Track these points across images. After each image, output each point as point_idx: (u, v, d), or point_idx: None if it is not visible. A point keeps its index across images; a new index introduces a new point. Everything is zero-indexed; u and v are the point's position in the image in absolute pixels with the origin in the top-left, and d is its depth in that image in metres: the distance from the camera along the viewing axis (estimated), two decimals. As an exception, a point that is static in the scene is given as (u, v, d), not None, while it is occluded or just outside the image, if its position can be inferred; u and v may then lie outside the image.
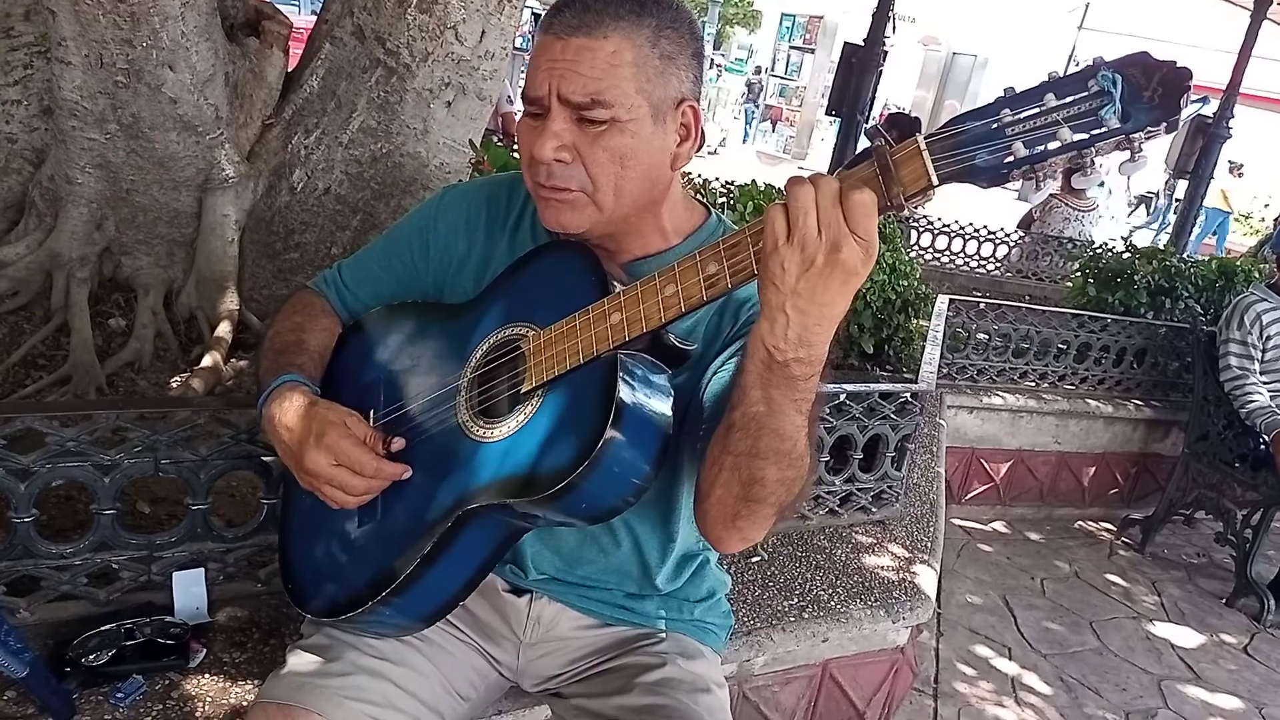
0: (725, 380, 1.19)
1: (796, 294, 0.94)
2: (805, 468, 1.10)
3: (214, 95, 2.70)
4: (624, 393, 1.06)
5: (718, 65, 25.03)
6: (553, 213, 1.23)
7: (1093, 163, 0.92)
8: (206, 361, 2.68)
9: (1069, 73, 0.92)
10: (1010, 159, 0.91)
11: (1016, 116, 0.92)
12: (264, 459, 1.64)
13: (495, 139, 3.80)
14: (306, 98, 2.99)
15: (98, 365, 2.61)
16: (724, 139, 20.13)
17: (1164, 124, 0.88)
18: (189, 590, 1.64)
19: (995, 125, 0.92)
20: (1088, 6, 20.11)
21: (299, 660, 1.26)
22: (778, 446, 1.05)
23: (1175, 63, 0.89)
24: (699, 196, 1.48)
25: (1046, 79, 0.93)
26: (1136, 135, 0.89)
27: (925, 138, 0.93)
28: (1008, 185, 1.01)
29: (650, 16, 1.16)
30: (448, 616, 1.32)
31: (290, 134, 2.99)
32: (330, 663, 1.25)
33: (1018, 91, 0.93)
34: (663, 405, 1.12)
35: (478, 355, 1.25)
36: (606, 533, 1.37)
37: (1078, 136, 0.89)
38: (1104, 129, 0.89)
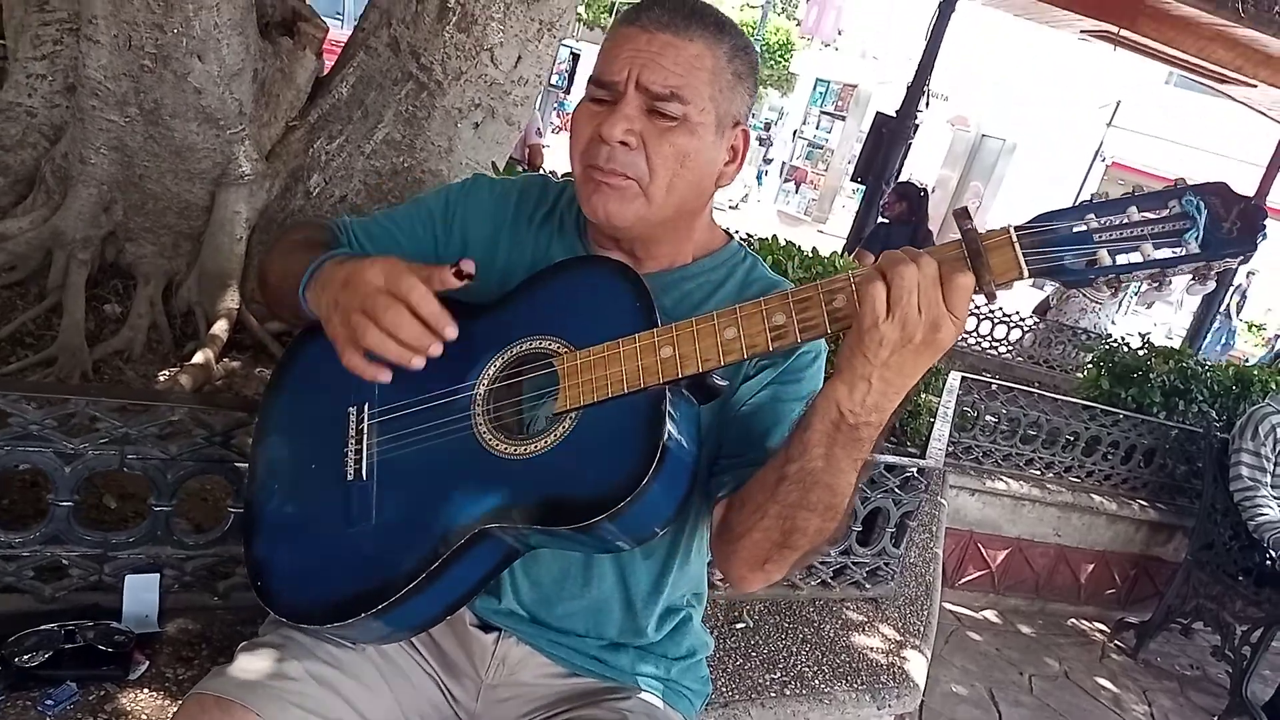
0: (758, 417, 1.19)
1: (886, 366, 0.97)
2: (842, 520, 1.10)
3: (240, 90, 2.66)
4: (669, 430, 1.04)
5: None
6: (601, 199, 1.19)
7: (1170, 281, 0.95)
8: (198, 358, 2.60)
9: (1150, 190, 0.96)
10: (1096, 264, 0.94)
11: (1101, 224, 0.94)
12: (236, 465, 1.55)
13: (519, 168, 3.76)
14: (334, 104, 2.95)
15: (86, 349, 2.53)
16: (746, 194, 20.24)
17: (1240, 256, 0.91)
18: (140, 596, 1.54)
19: (1083, 229, 0.94)
20: (1118, 104, 20.27)
21: (249, 658, 1.19)
22: (829, 500, 1.06)
23: (1251, 198, 0.93)
24: None
25: (1130, 192, 0.96)
26: (1215, 263, 0.92)
27: (1016, 229, 0.95)
28: (1085, 291, 1.02)
29: (729, 36, 1.21)
30: (413, 640, 1.29)
31: (313, 138, 2.94)
32: (281, 664, 1.18)
33: (1102, 199, 0.96)
34: (694, 445, 1.10)
35: (497, 364, 1.18)
36: (594, 565, 1.29)
37: (1160, 254, 0.92)
38: (1185, 252, 0.92)
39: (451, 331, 1.11)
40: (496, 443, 1.12)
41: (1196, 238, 0.91)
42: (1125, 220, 0.93)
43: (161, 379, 2.64)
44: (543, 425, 1.13)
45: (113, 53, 2.48)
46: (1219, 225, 0.91)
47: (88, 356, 2.54)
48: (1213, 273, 0.93)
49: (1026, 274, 0.94)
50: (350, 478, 1.19)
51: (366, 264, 1.13)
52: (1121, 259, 0.93)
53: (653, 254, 1.29)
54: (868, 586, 2.58)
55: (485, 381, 1.17)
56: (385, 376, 1.12)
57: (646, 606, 1.33)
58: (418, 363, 1.10)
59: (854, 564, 2.54)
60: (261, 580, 1.22)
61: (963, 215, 0.98)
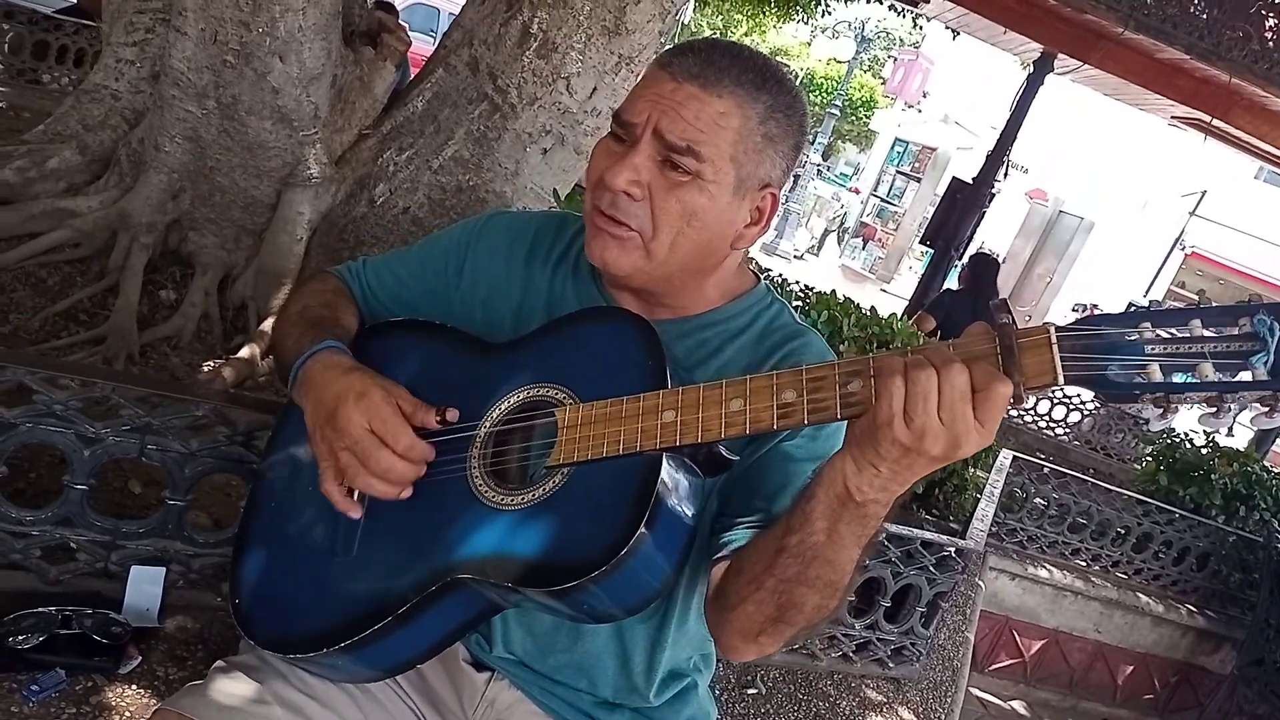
0: (767, 475, 1.12)
1: (898, 463, 0.89)
2: (843, 595, 1.04)
3: (317, 94, 2.69)
4: (661, 500, 0.97)
5: (820, 176, 25.25)
6: (600, 244, 1.15)
7: (1230, 408, 0.83)
8: (244, 353, 2.61)
9: (1219, 304, 0.85)
10: (1143, 380, 0.83)
11: (1157, 335, 0.84)
12: (254, 465, 1.53)
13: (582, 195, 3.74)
14: (408, 116, 2.97)
15: (135, 332, 2.56)
16: (813, 246, 20.14)
17: None
18: (144, 588, 1.52)
19: (1134, 338, 0.84)
20: (1204, 194, 19.83)
21: (220, 678, 1.15)
22: (829, 577, 0.99)
23: None
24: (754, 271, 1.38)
25: (1197, 302, 0.86)
26: None
27: (1058, 329, 0.86)
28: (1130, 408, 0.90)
29: (767, 94, 1.13)
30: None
31: (384, 148, 2.96)
32: (253, 688, 1.14)
33: (1161, 308, 0.86)
34: (691, 515, 1.03)
35: (502, 408, 1.14)
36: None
37: (1221, 377, 0.81)
38: (1251, 377, 0.81)
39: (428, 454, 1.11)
40: (486, 489, 1.08)
41: (1266, 363, 0.80)
42: (1186, 334, 0.83)
43: (205, 369, 2.66)
44: (537, 476, 1.07)
45: (198, 45, 2.52)
46: None
47: (136, 339, 2.57)
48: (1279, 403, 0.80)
49: (1061, 380, 0.84)
50: (353, 515, 1.14)
51: (351, 402, 1.10)
52: (1176, 377, 0.82)
53: (666, 301, 1.24)
54: (891, 665, 2.48)
55: (488, 424, 1.12)
56: (356, 513, 1.12)
57: (647, 667, 1.26)
58: (405, 494, 1.10)
59: (879, 640, 2.44)
60: (239, 600, 1.19)
61: (1001, 308, 0.89)
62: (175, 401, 1.48)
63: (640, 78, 1.18)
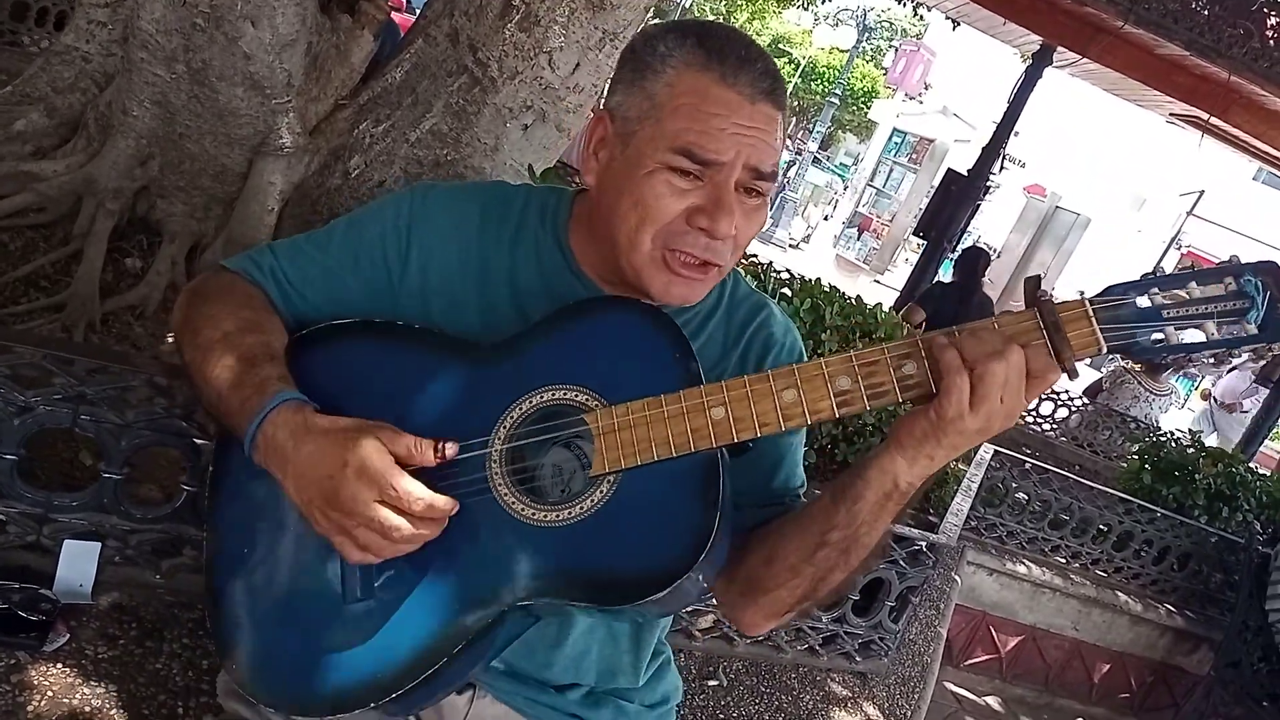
0: (762, 459, 1.15)
1: (954, 447, 0.96)
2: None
3: (290, 61, 2.62)
4: (725, 493, 0.97)
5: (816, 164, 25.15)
6: (685, 288, 1.09)
7: (1230, 360, 0.94)
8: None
9: (1208, 266, 0.94)
10: (1166, 342, 0.92)
11: (1166, 300, 0.92)
12: (195, 440, 1.48)
13: (574, 181, 3.65)
14: (385, 87, 2.91)
15: (97, 300, 2.50)
16: (809, 235, 20.07)
17: None
18: (77, 564, 1.47)
19: (1148, 305, 0.92)
20: (1201, 194, 19.79)
21: None
22: (861, 556, 1.06)
23: None
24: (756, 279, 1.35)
25: (1189, 267, 0.94)
26: (1276, 345, 0.90)
27: (1091, 301, 0.93)
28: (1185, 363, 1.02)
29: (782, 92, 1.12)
30: None
31: (360, 119, 2.90)
32: None
33: (1163, 274, 0.94)
34: (732, 507, 1.03)
35: (514, 416, 1.04)
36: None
37: (1224, 335, 0.91)
38: (1245, 333, 0.90)
39: (450, 506, 0.99)
40: (522, 508, 1.00)
41: (1256, 319, 0.89)
42: (1186, 296, 0.92)
43: (169, 339, 2.60)
44: (580, 487, 1.01)
45: (167, 7, 2.45)
46: (1277, 306, 0.89)
47: (98, 307, 2.51)
48: (1271, 357, 0.93)
49: (1105, 349, 0.92)
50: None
51: (351, 480, 0.95)
52: (1188, 337, 0.92)
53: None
54: (858, 659, 2.44)
55: (501, 436, 1.03)
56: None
57: (634, 645, 1.24)
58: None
59: (846, 633, 2.40)
60: (238, 667, 1.06)
61: (1035, 285, 0.95)
62: (110, 371, 1.42)
63: (700, 96, 1.03)
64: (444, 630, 0.99)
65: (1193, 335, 0.91)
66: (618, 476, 0.98)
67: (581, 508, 0.98)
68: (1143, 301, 0.92)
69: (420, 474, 0.98)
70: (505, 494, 1.01)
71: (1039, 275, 0.99)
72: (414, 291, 1.18)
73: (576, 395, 1.03)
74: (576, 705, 1.23)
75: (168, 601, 1.55)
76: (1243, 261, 0.91)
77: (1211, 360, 0.93)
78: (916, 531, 2.37)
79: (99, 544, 1.49)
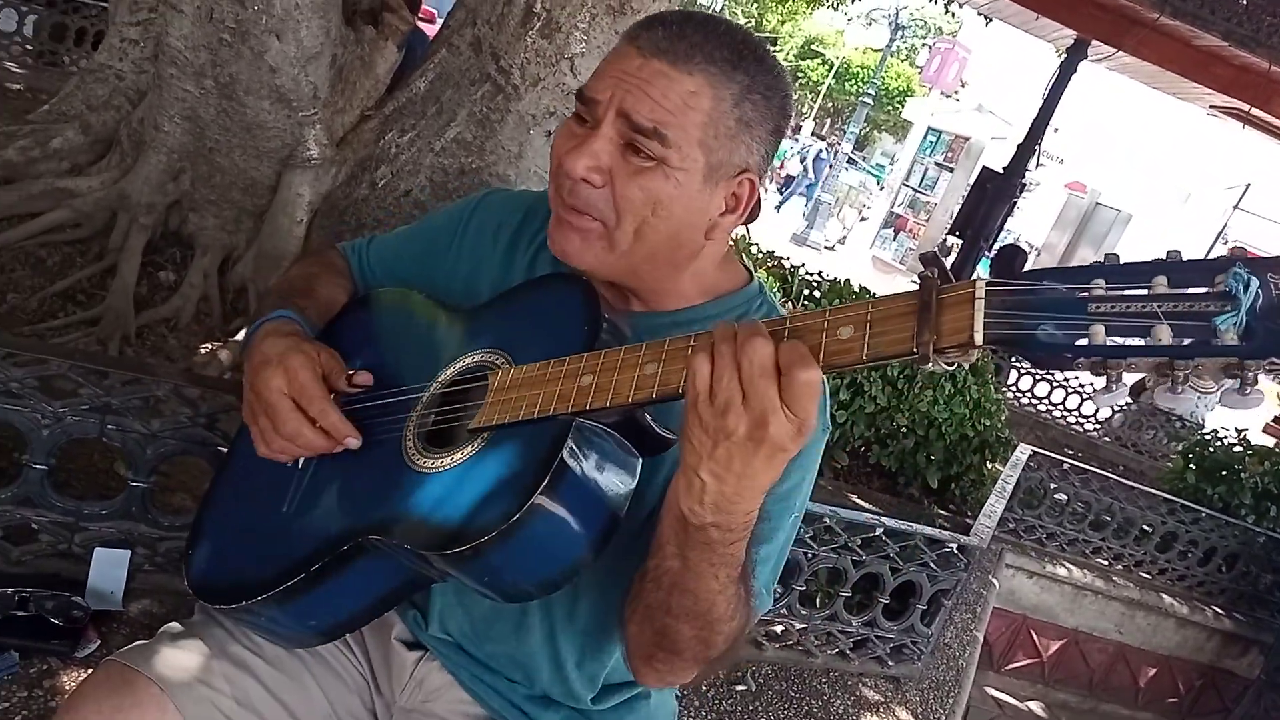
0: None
1: (714, 460, 0.82)
2: (732, 631, 0.99)
3: (316, 74, 2.66)
4: (568, 464, 0.91)
5: (855, 165, 24.97)
6: (561, 235, 1.09)
7: (1186, 380, 0.69)
8: (242, 335, 2.59)
9: (1196, 257, 0.70)
10: (1082, 342, 0.70)
11: (1110, 292, 0.71)
12: (220, 448, 1.50)
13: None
14: (410, 97, 2.93)
15: (131, 313, 2.55)
16: (844, 237, 19.91)
17: None
18: (108, 571, 1.49)
19: (1080, 295, 0.71)
20: (1248, 187, 19.35)
21: (168, 635, 1.15)
22: (692, 608, 0.95)
23: None
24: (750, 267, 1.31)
25: (1164, 257, 0.72)
26: (1253, 363, 0.65)
27: (988, 284, 0.75)
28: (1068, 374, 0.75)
29: (743, 74, 1.04)
30: (347, 638, 1.24)
31: (385, 129, 2.93)
32: (198, 642, 1.13)
33: (1123, 262, 0.72)
34: (613, 492, 0.96)
35: (449, 372, 1.11)
36: (522, 614, 1.18)
37: (1177, 341, 0.67)
38: (1213, 342, 0.65)
39: (354, 441, 1.07)
40: (413, 452, 1.04)
41: (1235, 325, 0.65)
42: (1147, 290, 0.69)
43: (203, 351, 2.64)
44: (457, 441, 1.04)
45: (194, 23, 2.50)
46: (1274, 313, 0.65)
47: (132, 320, 2.56)
48: (1252, 375, 0.65)
49: (979, 339, 0.72)
50: (289, 464, 1.14)
51: (272, 367, 1.07)
52: (1120, 341, 0.69)
53: (643, 296, 1.17)
54: (890, 664, 2.41)
55: (433, 388, 1.10)
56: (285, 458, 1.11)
57: (580, 665, 1.20)
58: (354, 443, 1.08)
59: (878, 637, 2.37)
60: (191, 548, 1.18)
61: (930, 260, 0.79)
62: (135, 381, 1.44)
63: (609, 53, 1.09)
64: (315, 545, 1.04)
65: (1127, 340, 0.69)
66: (489, 434, 0.99)
67: (451, 460, 1.00)
68: (1079, 292, 0.71)
69: (356, 414, 1.09)
70: (408, 440, 1.06)
71: (934, 251, 0.80)
72: (450, 275, 1.29)
73: (495, 358, 1.08)
74: (523, 700, 1.23)
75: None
76: (1244, 253, 0.69)
77: (1165, 384, 0.70)
78: (947, 534, 2.33)
79: (129, 551, 1.52)
